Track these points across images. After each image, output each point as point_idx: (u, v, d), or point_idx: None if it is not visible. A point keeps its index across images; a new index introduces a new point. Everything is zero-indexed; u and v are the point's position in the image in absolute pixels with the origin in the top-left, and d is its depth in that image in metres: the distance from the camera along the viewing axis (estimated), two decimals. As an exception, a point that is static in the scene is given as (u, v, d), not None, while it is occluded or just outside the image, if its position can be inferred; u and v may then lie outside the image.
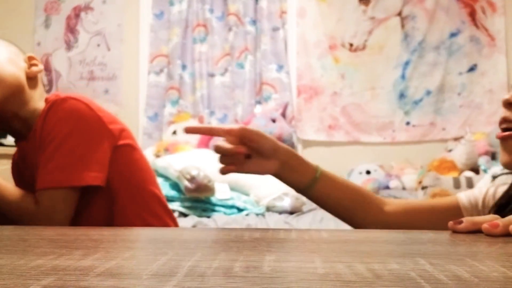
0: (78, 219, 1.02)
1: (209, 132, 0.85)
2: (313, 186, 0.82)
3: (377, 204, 0.85)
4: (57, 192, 0.98)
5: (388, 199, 0.89)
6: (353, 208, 0.84)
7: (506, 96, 0.77)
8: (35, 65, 1.05)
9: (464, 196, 0.86)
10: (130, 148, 1.08)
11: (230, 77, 3.32)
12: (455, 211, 0.84)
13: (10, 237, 0.51)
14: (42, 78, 1.11)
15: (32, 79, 1.04)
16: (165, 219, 1.13)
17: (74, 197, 1.00)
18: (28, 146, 1.04)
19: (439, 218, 0.84)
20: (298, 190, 0.84)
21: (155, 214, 1.11)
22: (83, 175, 0.99)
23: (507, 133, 0.76)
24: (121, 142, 1.05)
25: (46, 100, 1.05)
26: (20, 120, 1.03)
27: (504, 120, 0.77)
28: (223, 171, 0.81)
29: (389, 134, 3.21)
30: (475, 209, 0.84)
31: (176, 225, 1.18)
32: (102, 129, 1.02)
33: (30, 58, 1.06)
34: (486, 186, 0.87)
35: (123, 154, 1.06)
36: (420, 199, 2.21)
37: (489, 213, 0.80)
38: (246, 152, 0.80)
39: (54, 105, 1.00)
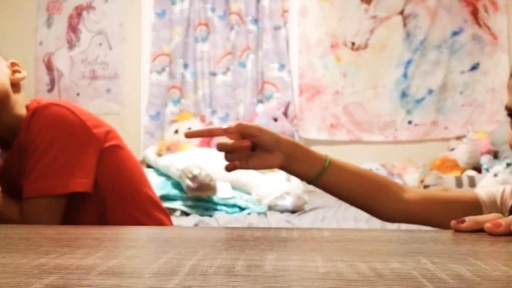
0: (70, 223, 1.01)
1: (209, 134, 0.84)
2: (322, 176, 0.81)
3: (395, 191, 0.84)
4: (41, 201, 0.97)
5: (408, 186, 0.87)
6: (368, 195, 0.83)
7: None
8: (18, 71, 1.03)
9: (482, 192, 0.85)
10: (117, 148, 1.07)
11: (232, 76, 3.32)
12: (474, 205, 0.84)
13: (13, 236, 0.51)
14: (24, 85, 1.09)
15: (15, 85, 1.02)
16: (159, 217, 1.12)
17: (59, 205, 0.99)
18: (13, 154, 1.03)
19: (458, 211, 0.84)
20: (308, 181, 0.83)
21: (147, 213, 1.10)
22: (68, 182, 0.98)
23: None
24: (108, 144, 1.04)
25: (27, 107, 1.03)
26: (5, 127, 1.02)
27: None
28: (229, 168, 0.80)
29: (391, 133, 3.21)
30: (494, 206, 0.84)
31: (170, 222, 1.18)
32: (86, 134, 1.01)
33: (13, 64, 1.04)
34: (503, 185, 0.87)
35: (110, 156, 1.05)
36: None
37: (509, 212, 0.80)
38: (250, 145, 0.78)
39: (37, 112, 0.99)
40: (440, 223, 0.85)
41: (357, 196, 0.83)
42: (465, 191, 0.91)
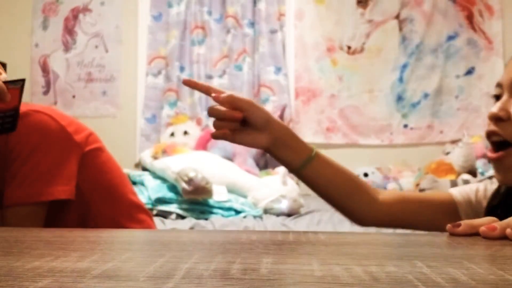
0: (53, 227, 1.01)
1: (206, 90, 0.79)
2: (307, 165, 0.79)
3: (371, 193, 0.83)
4: (22, 209, 0.97)
5: (382, 190, 0.88)
6: (346, 193, 0.82)
7: (493, 110, 0.77)
8: None
9: (456, 192, 0.86)
10: (98, 151, 1.08)
11: (228, 79, 3.32)
12: (450, 206, 0.85)
13: (7, 238, 0.50)
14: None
15: None
16: (141, 218, 1.12)
17: (40, 212, 0.99)
18: None
19: (433, 212, 0.84)
20: (291, 169, 0.81)
21: (130, 215, 1.10)
22: (49, 190, 0.98)
23: (499, 153, 0.75)
24: (88, 148, 1.05)
25: None
26: None
27: (492, 133, 0.77)
28: (215, 135, 0.77)
29: (386, 136, 3.21)
30: (469, 205, 0.85)
31: (153, 222, 1.18)
32: (67, 141, 1.01)
33: None
34: (476, 184, 0.88)
35: (91, 159, 1.05)
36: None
37: (485, 214, 0.81)
38: (241, 117, 0.76)
39: None
40: (415, 224, 0.85)
41: (336, 193, 0.82)
42: (440, 192, 0.92)
